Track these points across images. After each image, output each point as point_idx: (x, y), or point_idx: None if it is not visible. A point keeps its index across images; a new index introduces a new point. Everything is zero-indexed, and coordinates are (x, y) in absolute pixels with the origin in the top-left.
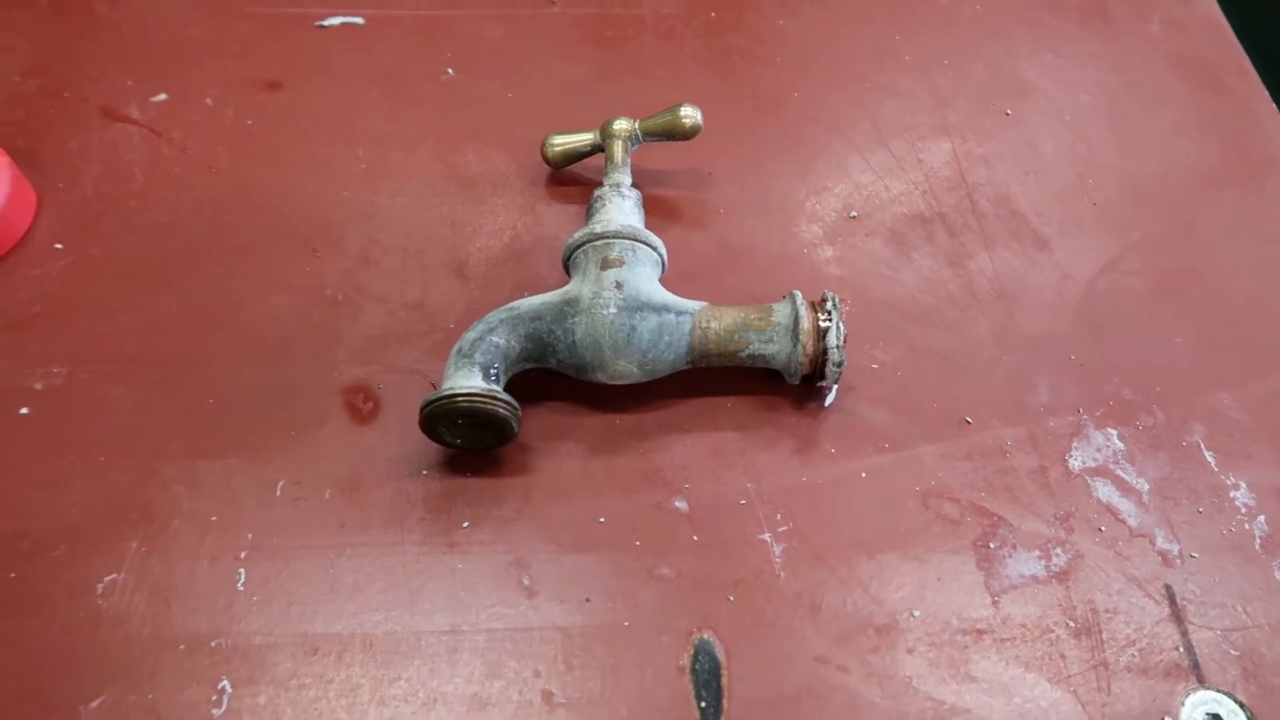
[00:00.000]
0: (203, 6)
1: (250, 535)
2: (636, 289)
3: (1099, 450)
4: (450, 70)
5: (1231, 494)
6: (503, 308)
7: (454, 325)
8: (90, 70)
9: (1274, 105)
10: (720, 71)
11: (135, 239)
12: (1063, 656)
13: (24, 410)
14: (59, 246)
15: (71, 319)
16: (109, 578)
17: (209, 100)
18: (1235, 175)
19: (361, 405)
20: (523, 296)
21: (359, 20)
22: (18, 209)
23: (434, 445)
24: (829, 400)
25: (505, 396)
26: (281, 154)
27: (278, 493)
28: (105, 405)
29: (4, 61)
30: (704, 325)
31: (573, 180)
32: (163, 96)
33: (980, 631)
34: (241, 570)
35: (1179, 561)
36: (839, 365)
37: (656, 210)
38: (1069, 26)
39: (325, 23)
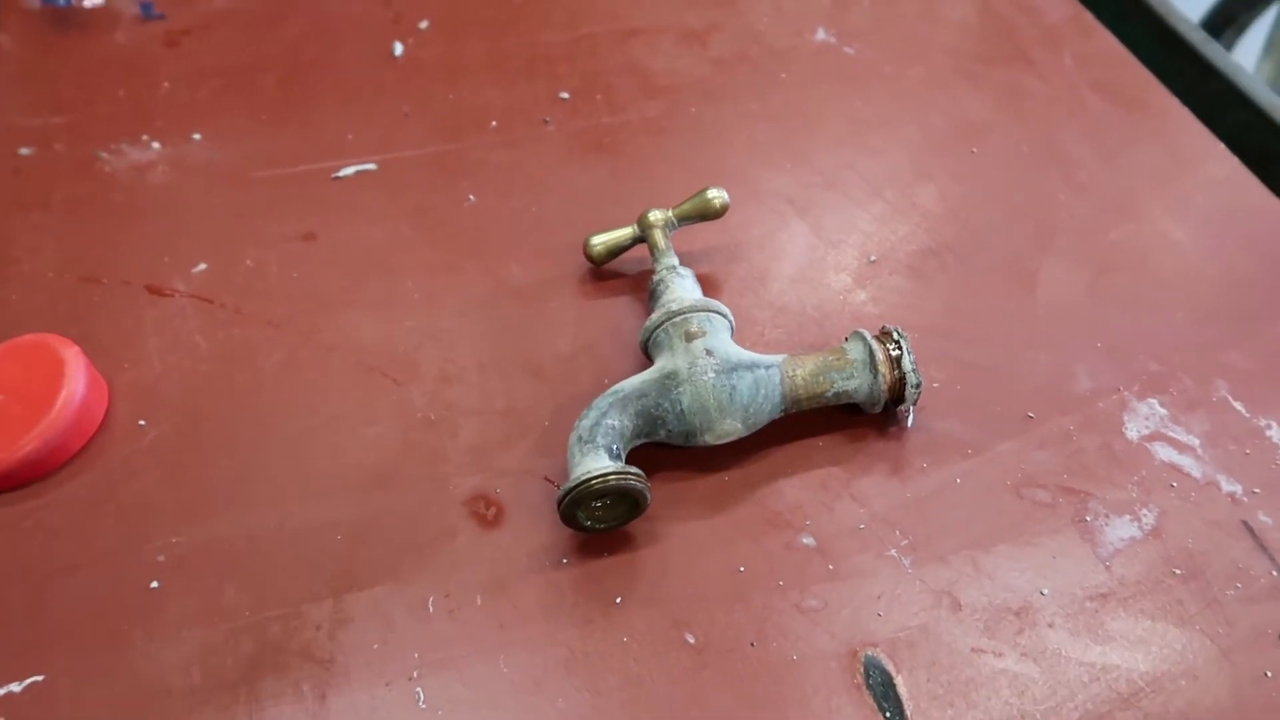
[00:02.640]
0: (216, 181)
1: (416, 654)
2: (725, 353)
3: (1147, 420)
4: (472, 197)
5: (1267, 433)
6: (607, 392)
7: (549, 423)
8: (123, 255)
9: (1189, 112)
10: (717, 155)
11: (216, 401)
12: (1180, 602)
13: (154, 584)
14: (142, 423)
15: (175, 488)
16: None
17: (249, 261)
18: (1176, 172)
19: (485, 511)
20: (601, 385)
21: (372, 166)
22: (95, 396)
23: (566, 535)
24: (910, 421)
25: (635, 470)
26: (335, 297)
27: (430, 609)
28: (233, 563)
29: (37, 261)
30: (791, 374)
31: (614, 274)
32: (203, 266)
33: (1104, 595)
34: (419, 689)
35: (1245, 499)
36: (917, 386)
37: (703, 286)
38: (999, 73)
39: (341, 173)
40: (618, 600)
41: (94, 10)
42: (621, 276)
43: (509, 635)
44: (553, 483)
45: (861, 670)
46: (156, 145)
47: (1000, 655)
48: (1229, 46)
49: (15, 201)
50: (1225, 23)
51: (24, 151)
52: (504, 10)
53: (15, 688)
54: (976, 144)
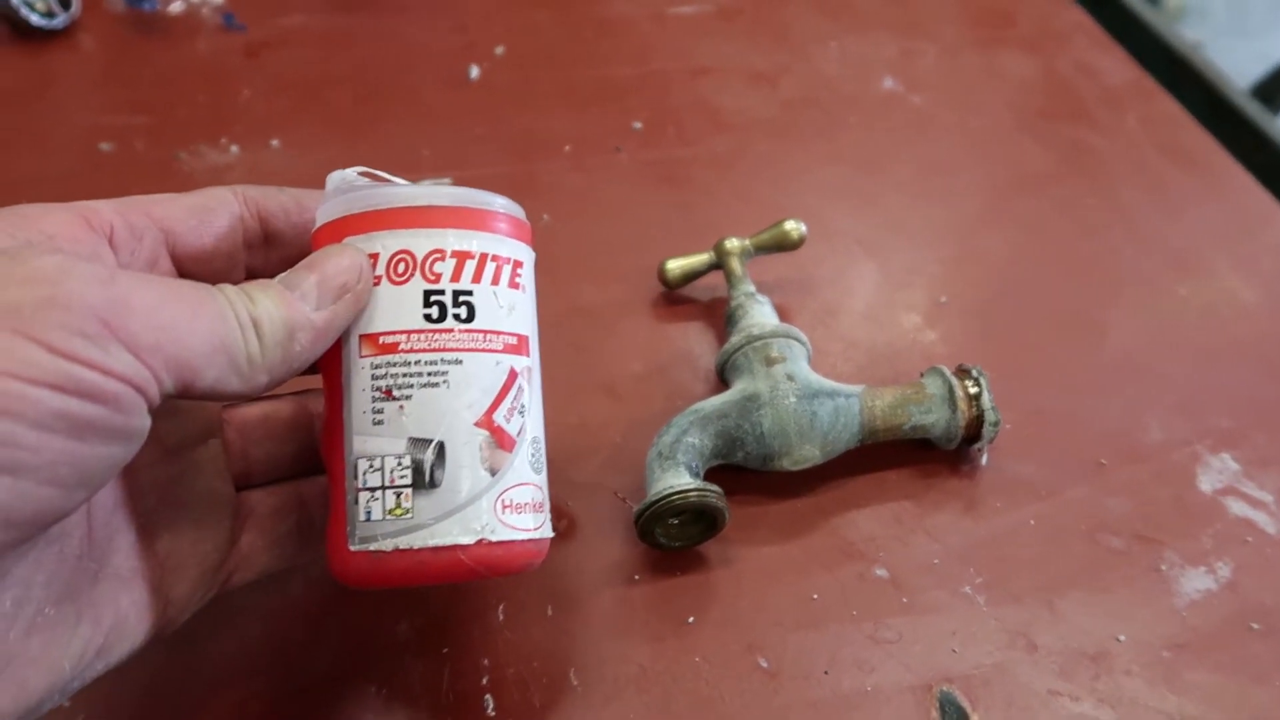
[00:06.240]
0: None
1: (486, 661)
2: (806, 379)
3: (1220, 474)
4: (546, 217)
5: None
6: (688, 410)
7: (620, 439)
8: None
9: (1252, 177)
10: (786, 192)
11: None
12: (1257, 657)
13: None
14: None
15: None
16: None
17: None
18: (1242, 235)
19: (557, 523)
20: (674, 406)
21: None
22: None
23: (638, 551)
24: (984, 460)
25: (716, 488)
26: None
27: (500, 616)
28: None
29: None
30: (870, 404)
31: (687, 301)
32: None
33: (1181, 646)
34: (488, 696)
35: None
36: (995, 425)
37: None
38: (1062, 129)
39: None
40: (690, 620)
41: (177, 17)
42: (693, 303)
43: (579, 649)
44: (624, 499)
45: (937, 705)
46: (235, 149)
47: (1077, 699)
48: None
49: (95, 195)
50: (1265, 100)
51: (105, 148)
52: (577, 42)
53: None
54: (1041, 195)
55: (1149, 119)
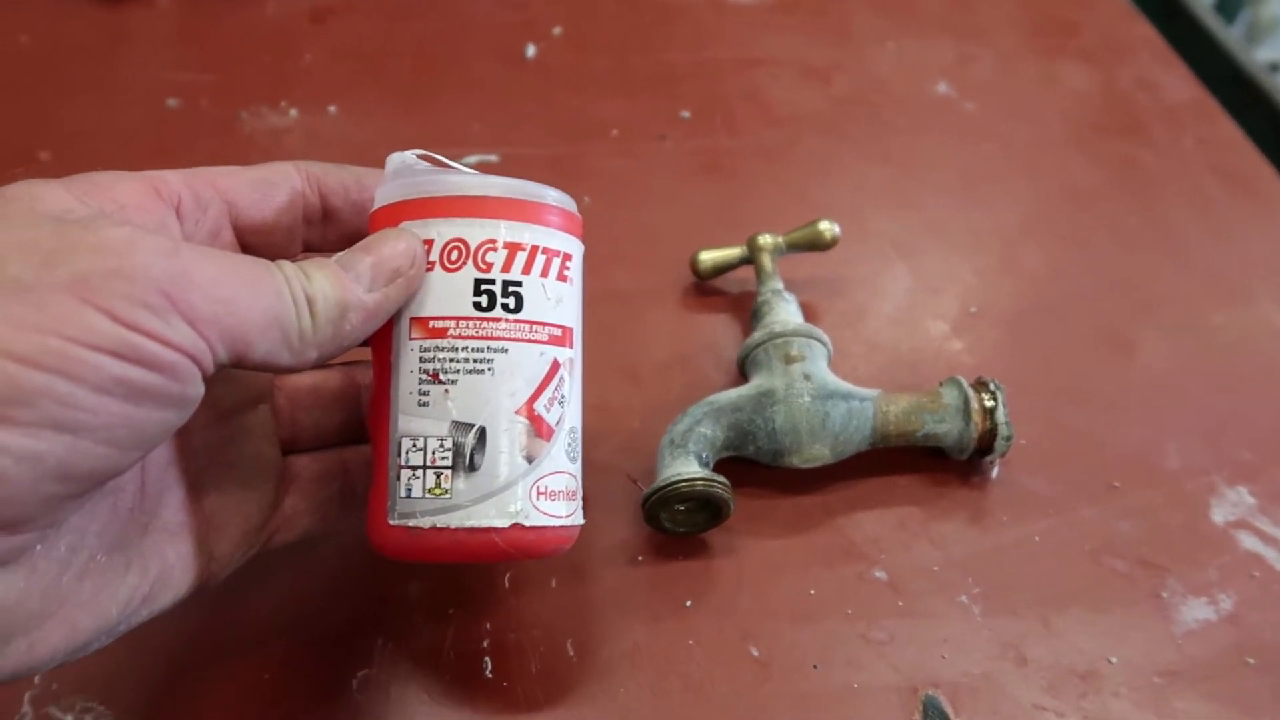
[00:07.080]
0: (347, 152)
1: (488, 625)
2: (823, 379)
3: (1234, 506)
4: (587, 198)
5: None
6: (703, 401)
7: (639, 424)
8: None
9: None
10: (828, 190)
11: None
12: (1251, 692)
13: None
14: None
15: None
16: (361, 673)
17: None
18: None
19: None
20: (694, 396)
21: (494, 158)
22: None
23: (644, 534)
24: (994, 473)
25: (722, 479)
26: None
27: (506, 584)
28: None
29: None
30: (884, 409)
31: (717, 292)
32: None
33: (1173, 673)
34: (487, 659)
35: None
36: (1008, 439)
37: (803, 313)
38: (1114, 144)
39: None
40: (688, 604)
41: None
42: (722, 295)
43: (579, 622)
44: (636, 482)
45: (921, 708)
46: (294, 112)
47: (1062, 716)
48: None
49: (161, 148)
50: None
51: (172, 103)
52: (634, 27)
53: None
54: (1086, 210)
55: (1206, 140)
